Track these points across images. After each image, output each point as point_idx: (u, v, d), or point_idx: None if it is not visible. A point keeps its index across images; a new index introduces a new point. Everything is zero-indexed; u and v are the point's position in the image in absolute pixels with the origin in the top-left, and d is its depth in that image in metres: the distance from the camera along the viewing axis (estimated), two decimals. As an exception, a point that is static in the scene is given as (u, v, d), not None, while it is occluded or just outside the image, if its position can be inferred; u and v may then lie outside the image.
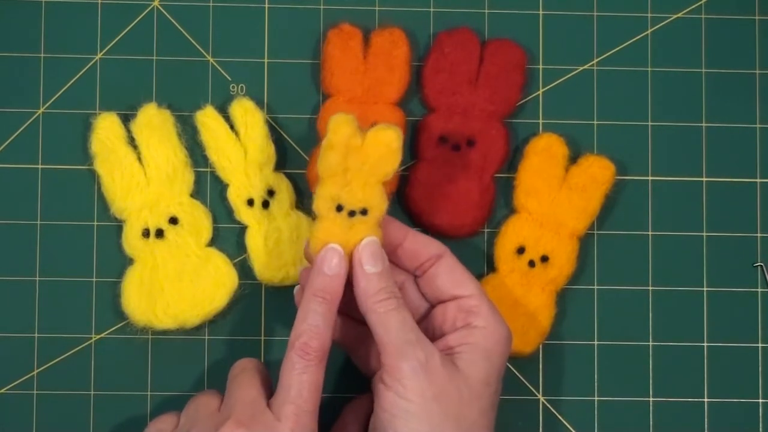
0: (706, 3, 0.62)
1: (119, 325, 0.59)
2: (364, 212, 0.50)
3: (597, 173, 0.59)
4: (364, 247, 0.50)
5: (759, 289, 0.61)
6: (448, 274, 0.52)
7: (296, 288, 0.54)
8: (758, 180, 0.61)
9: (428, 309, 0.54)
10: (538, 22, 0.62)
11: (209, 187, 0.60)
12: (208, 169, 0.60)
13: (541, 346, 0.60)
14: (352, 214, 0.50)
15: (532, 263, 0.58)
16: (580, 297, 0.60)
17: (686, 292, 0.60)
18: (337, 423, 0.56)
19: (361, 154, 0.50)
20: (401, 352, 0.48)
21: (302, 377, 0.48)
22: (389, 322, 0.49)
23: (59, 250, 0.59)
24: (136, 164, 0.58)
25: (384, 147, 0.49)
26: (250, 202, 0.58)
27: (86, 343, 0.59)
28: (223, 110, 0.59)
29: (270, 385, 0.51)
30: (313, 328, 0.49)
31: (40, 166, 0.59)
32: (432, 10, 0.61)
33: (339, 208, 0.50)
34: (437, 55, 0.60)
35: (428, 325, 0.53)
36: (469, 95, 0.59)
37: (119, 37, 0.60)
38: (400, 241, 0.53)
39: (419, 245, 0.53)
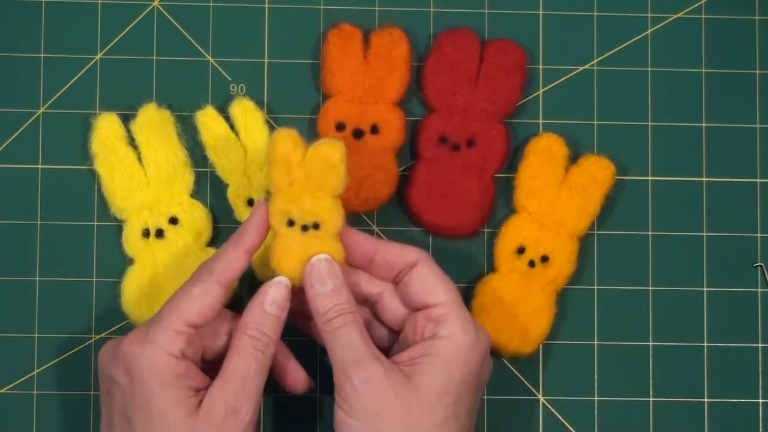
0: (706, 3, 0.62)
1: (119, 325, 0.59)
2: (316, 226, 0.51)
3: (597, 173, 0.59)
4: (312, 267, 0.51)
5: (759, 289, 0.61)
6: (420, 283, 0.52)
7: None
8: (758, 180, 0.61)
9: (406, 315, 0.54)
10: (538, 22, 0.62)
11: (209, 187, 0.60)
12: (208, 169, 0.60)
13: (541, 346, 0.60)
14: (305, 228, 0.51)
15: (532, 263, 0.58)
16: (580, 297, 0.60)
17: (686, 292, 0.60)
18: None
19: (304, 168, 0.50)
20: (344, 372, 0.49)
21: (178, 292, 0.50)
22: (334, 342, 0.50)
23: (59, 250, 0.59)
24: (136, 164, 0.58)
25: (324, 162, 0.50)
26: (250, 202, 0.58)
27: (86, 343, 0.59)
28: (223, 110, 0.59)
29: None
30: (213, 259, 0.51)
31: (40, 166, 0.59)
32: (432, 10, 0.61)
33: (291, 223, 0.51)
34: (437, 55, 0.60)
35: (404, 334, 0.53)
36: (469, 95, 0.59)
37: (119, 37, 0.60)
38: (371, 255, 0.53)
39: (392, 256, 0.53)
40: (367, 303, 0.55)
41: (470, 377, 0.50)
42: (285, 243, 0.51)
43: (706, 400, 0.60)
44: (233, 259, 0.51)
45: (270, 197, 0.51)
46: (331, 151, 0.50)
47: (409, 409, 0.48)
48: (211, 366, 0.51)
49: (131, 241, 0.58)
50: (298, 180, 0.50)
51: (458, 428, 0.49)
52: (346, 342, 0.49)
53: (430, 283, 0.52)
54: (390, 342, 0.55)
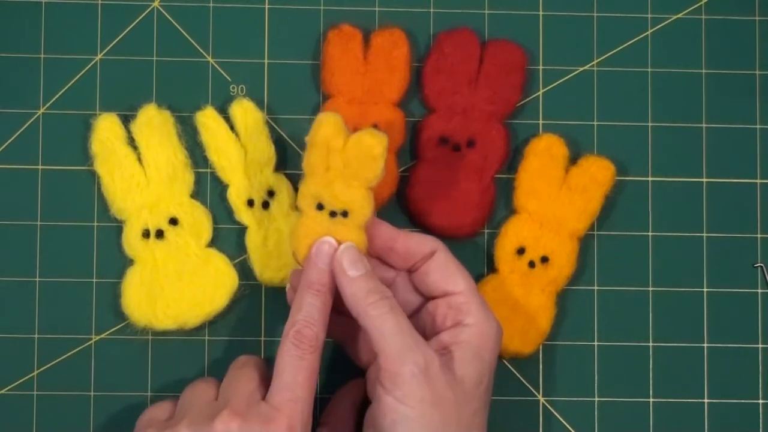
0: (706, 3, 0.62)
1: (119, 326, 0.59)
2: (345, 214, 0.50)
3: (597, 174, 0.59)
4: (343, 254, 0.50)
5: (759, 290, 0.61)
6: (440, 271, 0.52)
7: (288, 287, 0.54)
8: (758, 180, 0.61)
9: (421, 303, 0.54)
10: (538, 22, 0.62)
11: (209, 188, 0.60)
12: (209, 170, 0.60)
13: (541, 347, 0.60)
14: (333, 214, 0.51)
15: (532, 264, 0.58)
16: (580, 297, 0.60)
17: (686, 293, 0.60)
18: (328, 407, 0.56)
19: (343, 156, 0.50)
20: (400, 358, 0.48)
21: (297, 364, 0.49)
22: (384, 327, 0.49)
23: (59, 251, 0.59)
24: (136, 165, 0.58)
25: (365, 153, 0.49)
26: (250, 203, 0.58)
27: (86, 344, 0.59)
28: (224, 111, 0.59)
29: (268, 383, 0.51)
30: (307, 318, 0.49)
31: (40, 167, 0.59)
32: (432, 10, 0.61)
33: (320, 207, 0.51)
34: (437, 55, 0.60)
35: (419, 322, 0.53)
36: (469, 96, 0.59)
37: (119, 37, 0.60)
38: (391, 244, 0.53)
39: (412, 245, 0.53)
40: None
41: (493, 365, 0.51)
42: (309, 225, 0.51)
43: (706, 400, 0.60)
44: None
45: (303, 178, 0.51)
46: (374, 143, 0.49)
47: (457, 399, 0.48)
48: None
49: (131, 241, 0.58)
50: (335, 166, 0.50)
51: (486, 416, 0.50)
52: (396, 328, 0.49)
53: (450, 271, 0.52)
54: None
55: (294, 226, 0.52)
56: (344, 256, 0.50)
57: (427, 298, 0.53)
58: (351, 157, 0.50)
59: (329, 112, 0.50)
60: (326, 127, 0.49)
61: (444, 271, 0.52)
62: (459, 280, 0.52)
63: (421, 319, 0.53)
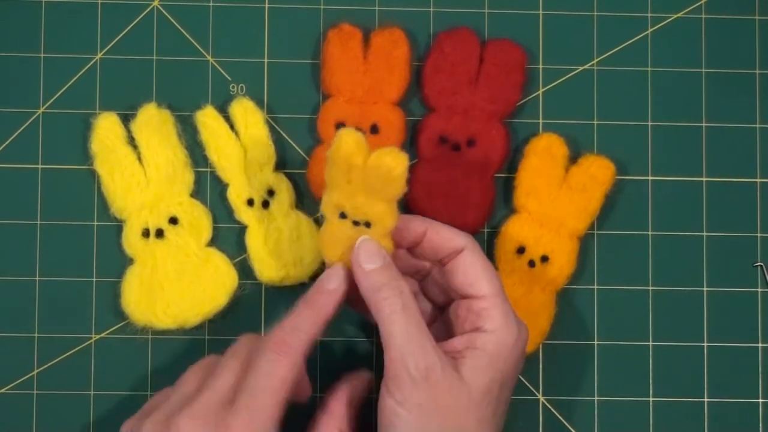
0: (706, 3, 0.62)
1: (119, 325, 0.59)
2: (368, 224, 0.50)
3: (597, 173, 0.59)
4: (359, 247, 0.50)
5: (759, 289, 0.61)
6: (464, 273, 0.51)
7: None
8: (758, 180, 0.61)
9: (451, 300, 0.53)
10: (538, 22, 0.62)
11: (209, 187, 0.60)
12: (208, 169, 0.60)
13: (541, 346, 0.60)
14: (357, 223, 0.50)
15: (532, 263, 0.58)
16: (580, 297, 0.60)
17: (686, 292, 0.60)
18: (323, 400, 0.55)
19: (364, 174, 0.50)
20: (403, 361, 0.47)
21: (265, 366, 0.47)
22: (393, 327, 0.48)
23: (59, 250, 0.59)
24: (136, 164, 0.58)
25: (384, 172, 0.49)
26: (250, 202, 0.58)
27: (86, 343, 0.59)
28: (223, 110, 0.59)
29: None
30: (294, 327, 0.49)
31: (40, 166, 0.59)
32: (432, 10, 0.61)
33: (343, 215, 0.50)
34: (437, 55, 0.60)
35: (447, 317, 0.53)
36: (469, 95, 0.59)
37: (119, 37, 0.60)
38: (420, 238, 0.52)
39: (441, 240, 0.52)
40: (416, 276, 0.54)
41: (511, 373, 0.50)
42: (333, 231, 0.51)
43: (706, 400, 0.60)
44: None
45: (325, 188, 0.51)
46: (393, 164, 0.49)
47: (459, 406, 0.47)
48: None
49: (131, 241, 0.58)
50: (356, 181, 0.50)
51: (497, 423, 0.49)
52: (404, 328, 0.48)
53: (474, 273, 0.51)
54: (431, 319, 0.54)
55: (320, 232, 0.52)
56: (361, 249, 0.50)
57: (453, 297, 0.53)
58: (371, 176, 0.49)
59: (350, 129, 0.49)
60: (347, 146, 0.49)
61: (468, 273, 0.51)
62: (483, 283, 0.50)
63: (445, 318, 0.53)
